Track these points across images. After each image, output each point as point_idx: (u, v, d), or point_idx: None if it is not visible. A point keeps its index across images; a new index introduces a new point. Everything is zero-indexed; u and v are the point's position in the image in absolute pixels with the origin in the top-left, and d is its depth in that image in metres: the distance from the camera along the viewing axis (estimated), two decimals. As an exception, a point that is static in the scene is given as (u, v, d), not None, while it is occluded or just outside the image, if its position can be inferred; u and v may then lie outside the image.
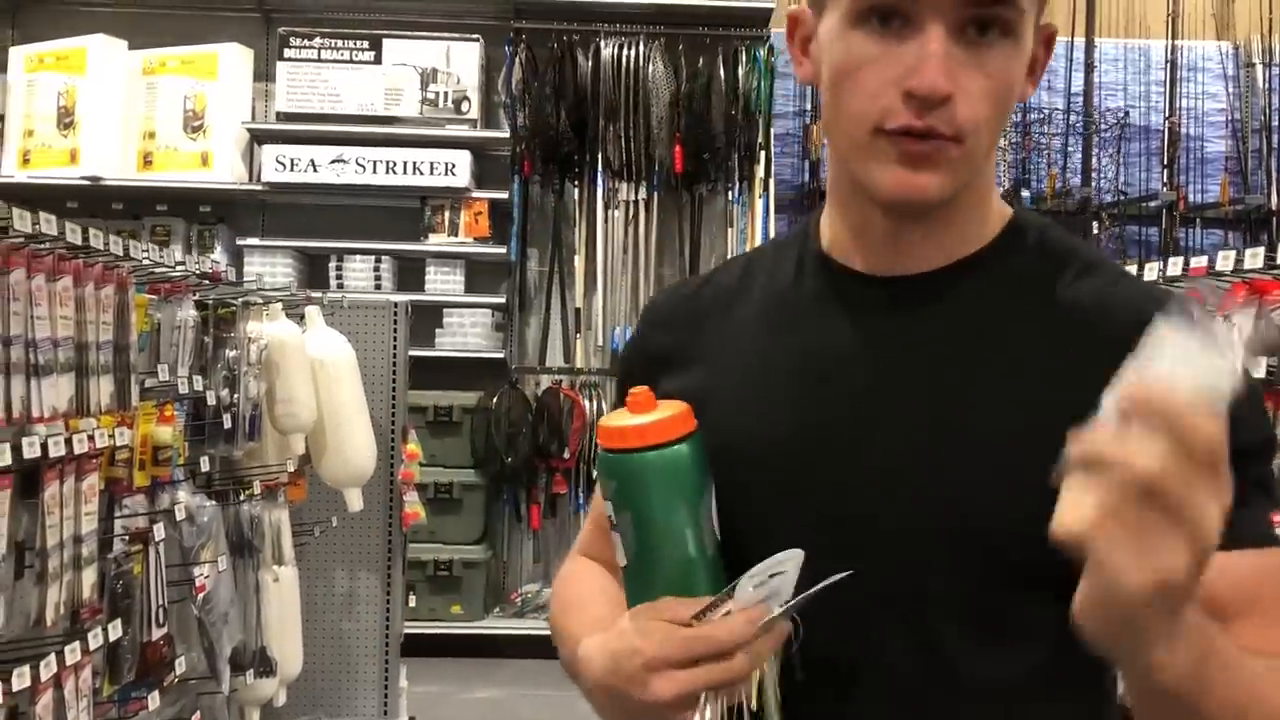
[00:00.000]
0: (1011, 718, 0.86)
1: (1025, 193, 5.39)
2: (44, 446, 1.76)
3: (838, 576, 0.81)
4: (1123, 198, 5.44)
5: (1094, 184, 5.41)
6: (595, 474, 1.12)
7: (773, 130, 5.28)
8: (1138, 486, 0.60)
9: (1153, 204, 5.43)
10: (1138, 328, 0.67)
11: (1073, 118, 5.44)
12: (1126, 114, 5.41)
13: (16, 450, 1.68)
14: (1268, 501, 0.83)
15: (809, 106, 5.48)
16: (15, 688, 1.65)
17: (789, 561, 0.82)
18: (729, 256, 5.25)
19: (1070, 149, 5.49)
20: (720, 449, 0.88)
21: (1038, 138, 5.47)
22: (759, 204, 5.25)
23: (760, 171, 5.28)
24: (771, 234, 5.16)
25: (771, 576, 0.81)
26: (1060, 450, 0.64)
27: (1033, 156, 5.50)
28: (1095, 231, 5.07)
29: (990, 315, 0.89)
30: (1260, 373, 0.60)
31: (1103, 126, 5.43)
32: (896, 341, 0.90)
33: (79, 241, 1.91)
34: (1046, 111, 5.46)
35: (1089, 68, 5.47)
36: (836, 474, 0.88)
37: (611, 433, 0.88)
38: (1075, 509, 0.62)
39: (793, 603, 0.81)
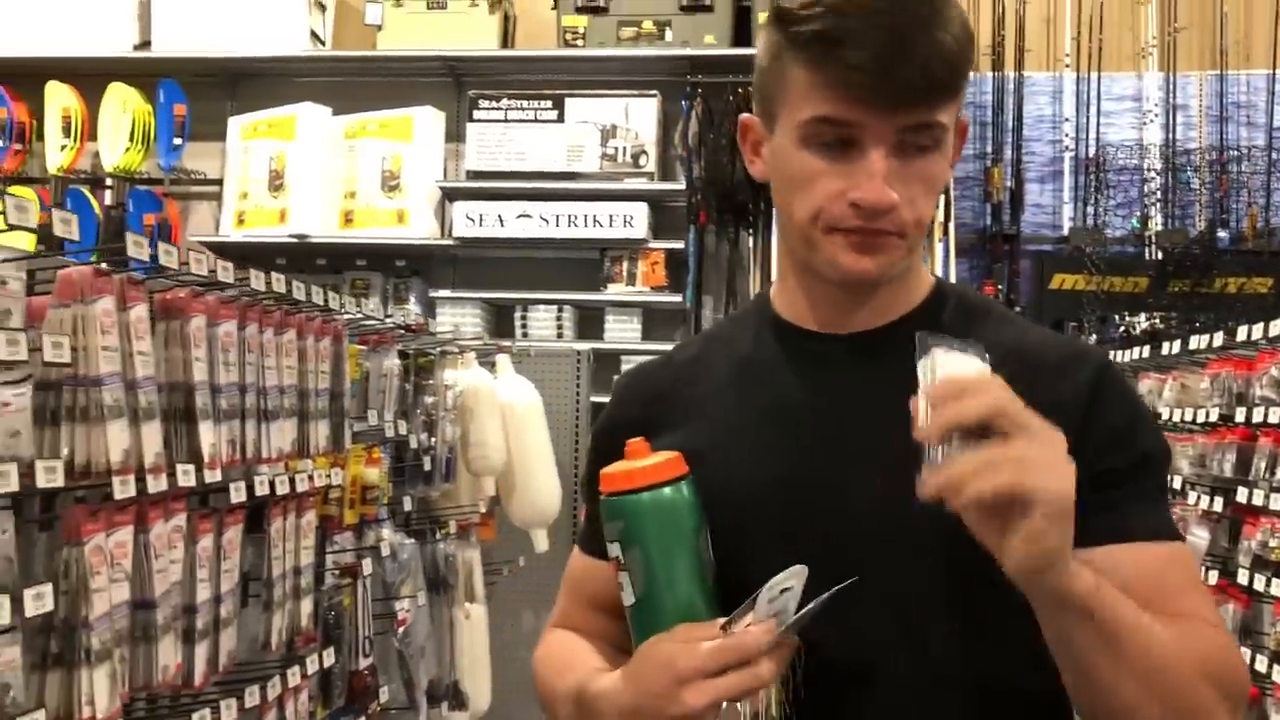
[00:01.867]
0: (992, 703, 0.99)
1: (1223, 233, 5.15)
2: (271, 485, 1.92)
3: (842, 585, 0.91)
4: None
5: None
6: (578, 534, 1.22)
7: (952, 174, 5.21)
8: (976, 425, 0.83)
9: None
10: (1050, 366, 1.01)
11: (1275, 155, 5.18)
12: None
13: (250, 487, 1.84)
14: (1166, 500, 1.03)
15: (989, 150, 5.40)
16: (248, 704, 1.79)
17: (794, 578, 0.92)
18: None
19: (1274, 186, 5.23)
20: (710, 495, 1.00)
21: (1236, 176, 5.23)
22: (939, 247, 5.19)
23: (940, 216, 5.21)
24: (953, 276, 5.09)
25: (783, 592, 0.91)
26: None
27: (1231, 195, 5.26)
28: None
29: None
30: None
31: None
32: (852, 389, 1.05)
33: (301, 298, 2.08)
34: (1245, 149, 5.23)
35: (1291, 100, 5.22)
36: (815, 507, 1.01)
37: (616, 477, 1.00)
38: (934, 475, 0.83)
39: (805, 611, 0.92)
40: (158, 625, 1.62)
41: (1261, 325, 2.43)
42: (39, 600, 1.31)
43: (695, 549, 0.99)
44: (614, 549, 1.00)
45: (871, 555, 0.98)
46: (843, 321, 1.07)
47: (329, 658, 2.20)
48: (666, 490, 0.99)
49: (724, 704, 0.90)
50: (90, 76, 4.99)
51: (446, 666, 3.04)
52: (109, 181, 5.00)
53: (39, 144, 5.11)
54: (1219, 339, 2.64)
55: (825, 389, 1.05)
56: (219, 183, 5.22)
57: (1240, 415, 2.50)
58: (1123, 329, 4.86)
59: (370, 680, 2.47)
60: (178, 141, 5.02)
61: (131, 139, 4.96)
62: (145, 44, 5.13)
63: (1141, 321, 4.90)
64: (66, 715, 1.44)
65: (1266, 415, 2.37)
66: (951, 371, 0.88)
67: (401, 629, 2.65)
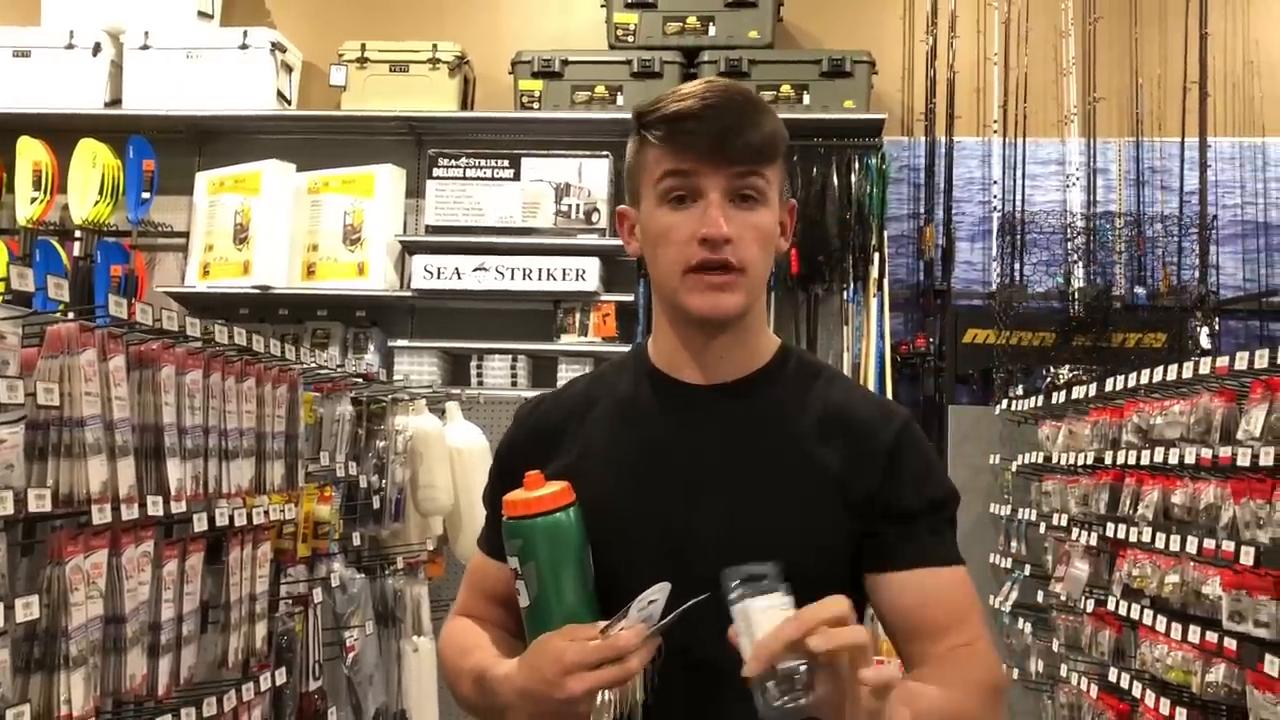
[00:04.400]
0: None
1: (1140, 289, 5.46)
2: (231, 517, 2.13)
3: (696, 600, 1.12)
4: (1243, 293, 5.48)
5: (1210, 280, 5.45)
6: (480, 536, 1.44)
7: (886, 232, 5.48)
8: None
9: (1274, 299, 5.44)
10: (864, 421, 1.26)
11: (1186, 218, 5.52)
12: (1215, 216, 5.49)
13: (211, 519, 2.05)
14: (953, 533, 1.28)
15: (922, 210, 5.70)
16: (205, 714, 1.99)
17: (660, 592, 1.14)
18: (845, 352, 5.49)
19: (1187, 247, 5.56)
20: (591, 518, 1.23)
21: (1152, 237, 5.56)
22: (873, 303, 5.44)
23: (874, 272, 5.47)
24: (887, 331, 5.34)
25: (650, 603, 1.13)
26: (821, 500, 1.21)
27: (1148, 255, 5.58)
28: (1204, 329, 5.11)
29: (775, 409, 1.30)
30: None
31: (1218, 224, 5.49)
32: (710, 433, 1.28)
33: (261, 350, 2.30)
34: (1160, 211, 5.56)
35: (1203, 167, 5.56)
36: (674, 529, 1.24)
37: (517, 504, 1.22)
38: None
39: (667, 620, 1.13)
40: (127, 638, 1.82)
41: (1124, 377, 2.70)
42: (28, 608, 1.52)
43: (580, 562, 1.22)
44: (513, 561, 1.22)
45: (717, 570, 1.12)
46: (707, 372, 1.30)
47: (280, 677, 2.40)
48: (557, 516, 1.21)
49: (600, 692, 1.12)
50: (62, 131, 5.16)
51: (394, 695, 3.22)
52: (78, 233, 5.16)
53: (9, 196, 5.25)
54: (1093, 389, 2.91)
55: (689, 431, 1.28)
56: (185, 235, 5.39)
57: (1109, 458, 2.77)
58: (1049, 380, 5.15)
59: (320, 703, 2.65)
60: (146, 195, 5.19)
61: (101, 192, 5.12)
62: (116, 101, 5.33)
63: (1065, 373, 5.21)
64: (47, 712, 1.64)
65: (1128, 458, 2.63)
66: (762, 624, 1.02)
67: (351, 656, 2.84)
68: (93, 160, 5.13)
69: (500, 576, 1.31)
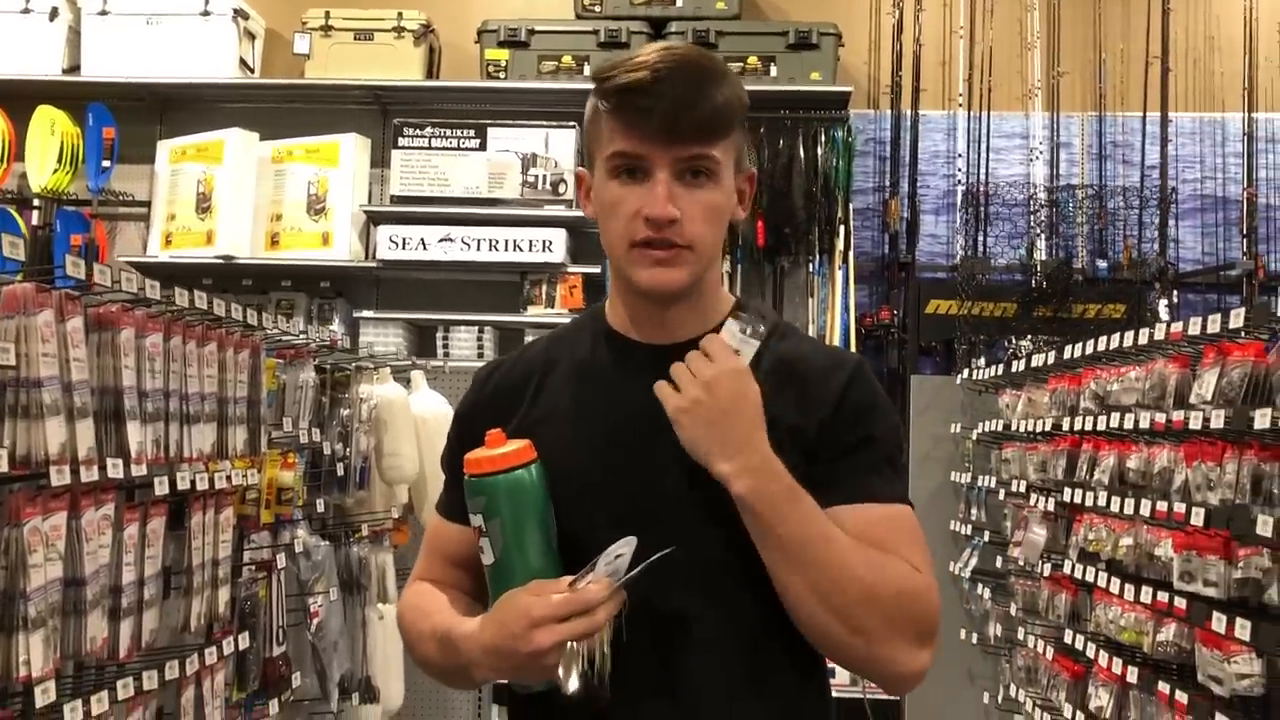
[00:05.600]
0: (764, 637, 1.24)
1: (1102, 262, 5.53)
2: (192, 482, 2.12)
3: (662, 553, 1.15)
4: (1201, 266, 5.56)
5: (1170, 253, 5.53)
6: (437, 501, 1.44)
7: (852, 205, 5.51)
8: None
9: (1232, 273, 5.53)
10: (817, 370, 1.28)
11: (1147, 192, 5.58)
12: (1175, 189, 5.57)
13: (172, 483, 2.04)
14: (896, 472, 1.29)
15: (887, 183, 5.74)
16: (167, 677, 1.99)
17: (625, 546, 1.16)
18: (810, 324, 5.52)
19: (1147, 220, 5.62)
20: (553, 472, 1.24)
21: (1113, 210, 5.62)
22: (839, 274, 5.47)
23: (840, 244, 5.50)
24: (852, 303, 5.38)
25: (617, 557, 1.15)
26: (778, 453, 1.20)
27: (1110, 228, 5.64)
28: (1163, 301, 5.18)
29: None
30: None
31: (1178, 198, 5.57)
32: None
33: (222, 314, 2.29)
34: (1121, 185, 5.62)
35: (1164, 141, 5.62)
36: (630, 486, 1.27)
37: (481, 461, 1.23)
38: (672, 397, 1.20)
39: (633, 573, 1.15)
40: (87, 601, 1.81)
41: (1081, 345, 2.74)
42: (-15, 568, 1.51)
43: (542, 519, 1.23)
44: (476, 520, 1.23)
45: (677, 527, 1.21)
46: (659, 334, 1.32)
47: (244, 642, 2.40)
48: (519, 472, 1.22)
49: (568, 644, 1.13)
50: (18, 98, 5.07)
51: (359, 662, 3.23)
52: (36, 202, 5.10)
53: (-33, 164, 5.20)
54: (1052, 358, 2.95)
55: (646, 392, 1.28)
56: (147, 204, 5.34)
57: (1068, 424, 2.81)
58: (1010, 351, 5.21)
59: (284, 669, 2.66)
60: (106, 164, 5.13)
61: (60, 160, 5.06)
62: (75, 68, 5.26)
63: (1027, 344, 5.27)
64: (5, 673, 1.63)
65: (1085, 424, 2.68)
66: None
67: (315, 622, 2.84)
68: (51, 128, 5.06)
69: (460, 539, 1.32)
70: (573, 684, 1.13)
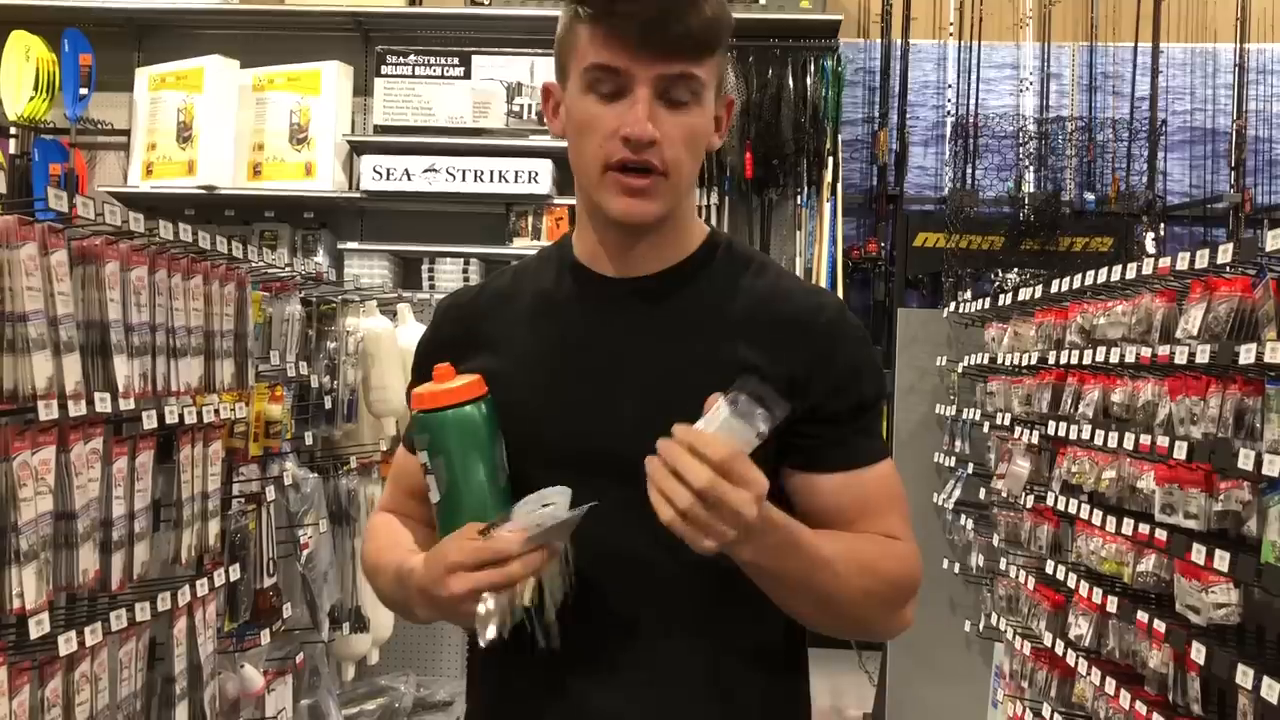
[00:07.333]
0: (724, 585, 1.17)
1: (1090, 195, 5.52)
2: (180, 415, 2.12)
3: (584, 507, 1.10)
4: (1189, 199, 5.55)
5: (1158, 186, 5.52)
6: (402, 438, 1.39)
7: (840, 137, 5.47)
8: (695, 493, 1.00)
9: (1219, 205, 5.52)
10: (794, 312, 1.20)
11: (1137, 124, 5.56)
12: (1164, 121, 5.54)
13: (160, 417, 2.04)
14: (878, 427, 1.24)
15: (876, 114, 5.69)
16: (159, 609, 2.00)
17: (557, 495, 1.11)
18: (798, 257, 5.51)
19: (1136, 153, 5.60)
20: (506, 413, 1.20)
21: (1102, 143, 5.60)
22: (827, 207, 5.45)
23: (828, 176, 5.47)
24: (839, 235, 5.37)
25: (544, 506, 1.10)
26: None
27: (1098, 160, 5.63)
28: (1150, 234, 5.19)
29: (698, 304, 1.24)
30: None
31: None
32: (631, 327, 1.24)
33: (207, 246, 2.27)
34: (1111, 117, 5.59)
35: (1154, 72, 5.59)
36: (587, 424, 1.21)
37: (425, 397, 1.18)
38: (664, 508, 1.02)
39: (545, 530, 1.09)
40: (78, 534, 1.82)
41: (1068, 279, 2.75)
42: (-24, 503, 1.51)
43: (490, 458, 1.17)
44: (423, 456, 1.18)
45: (635, 469, 1.07)
46: (628, 266, 1.24)
47: (235, 573, 2.42)
48: (467, 408, 1.16)
49: (486, 595, 1.08)
50: (-7, 24, 5.01)
51: (349, 592, 3.26)
52: (13, 130, 5.02)
53: (-59, 92, 5.12)
54: (1039, 291, 2.96)
55: (607, 329, 1.23)
56: (126, 133, 5.27)
57: (1053, 358, 2.83)
58: (997, 284, 5.22)
59: (275, 600, 2.68)
60: (84, 91, 5.05)
61: (36, 88, 4.98)
62: (50, -8, 5.15)
63: (1014, 277, 5.28)
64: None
65: (1070, 358, 2.69)
66: (720, 434, 1.04)
67: (305, 554, 2.86)
68: (26, 53, 4.97)
69: (420, 472, 1.25)
70: (490, 633, 1.07)
